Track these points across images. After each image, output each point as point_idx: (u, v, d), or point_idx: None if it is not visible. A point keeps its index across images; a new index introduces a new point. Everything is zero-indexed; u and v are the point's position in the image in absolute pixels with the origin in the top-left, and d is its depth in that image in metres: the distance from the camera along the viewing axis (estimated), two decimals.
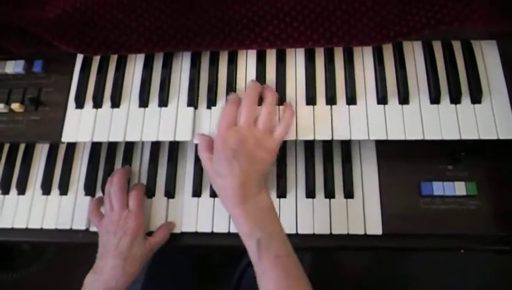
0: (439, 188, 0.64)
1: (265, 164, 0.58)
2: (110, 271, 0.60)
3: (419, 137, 0.60)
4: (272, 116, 0.59)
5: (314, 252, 0.77)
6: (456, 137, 0.60)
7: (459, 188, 0.64)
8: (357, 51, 0.65)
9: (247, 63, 0.66)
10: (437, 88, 0.61)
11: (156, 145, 0.70)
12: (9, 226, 0.69)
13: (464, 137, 0.59)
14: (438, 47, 0.65)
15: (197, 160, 0.68)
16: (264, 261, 0.53)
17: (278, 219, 0.57)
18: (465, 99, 0.61)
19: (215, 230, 0.65)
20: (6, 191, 0.71)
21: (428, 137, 0.60)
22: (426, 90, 0.62)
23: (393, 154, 0.65)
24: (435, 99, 0.61)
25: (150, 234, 0.65)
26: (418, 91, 0.62)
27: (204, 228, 0.65)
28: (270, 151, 0.58)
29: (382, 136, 0.60)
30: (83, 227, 0.67)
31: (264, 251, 0.53)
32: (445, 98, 0.62)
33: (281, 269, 0.53)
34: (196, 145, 0.66)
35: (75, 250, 1.32)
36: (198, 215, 0.66)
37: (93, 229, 0.67)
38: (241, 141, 0.56)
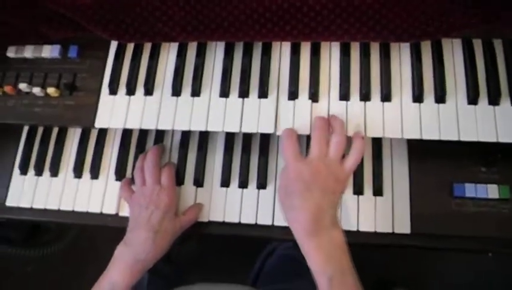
0: (471, 190, 0.63)
1: (337, 195, 0.57)
2: (141, 244, 0.61)
3: (455, 138, 0.59)
4: (342, 146, 0.58)
5: None
6: (492, 139, 0.58)
7: (492, 191, 0.62)
8: (394, 47, 0.64)
9: (281, 55, 0.65)
10: (475, 88, 0.60)
11: (186, 134, 0.70)
12: (42, 207, 0.71)
13: (501, 140, 0.58)
14: (478, 45, 0.63)
15: (227, 150, 0.68)
16: None
17: (350, 256, 0.55)
18: (504, 101, 0.60)
19: (243, 221, 0.65)
20: (39, 173, 0.72)
21: (463, 138, 0.59)
22: (464, 90, 0.61)
23: (425, 153, 0.64)
24: (472, 99, 0.60)
25: None
26: (455, 90, 0.61)
27: (232, 218, 0.66)
28: (341, 182, 0.57)
29: (416, 136, 0.59)
30: (112, 211, 0.69)
31: (335, 288, 0.52)
32: (483, 99, 0.60)
33: None
34: (226, 135, 0.66)
35: (100, 229, 1.35)
36: (226, 205, 0.67)
37: (122, 214, 0.69)
38: (314, 173, 0.55)
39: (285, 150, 0.58)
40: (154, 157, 0.66)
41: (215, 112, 0.64)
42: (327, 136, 0.59)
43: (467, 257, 1.13)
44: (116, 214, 0.69)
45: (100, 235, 1.38)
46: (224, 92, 0.64)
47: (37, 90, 0.68)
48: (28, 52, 0.70)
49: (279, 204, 0.60)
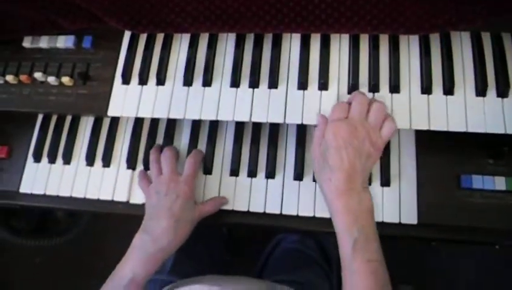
0: (478, 181, 0.63)
1: (372, 159, 0.58)
2: (163, 231, 0.62)
3: (463, 129, 0.59)
4: (382, 113, 0.58)
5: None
6: (500, 131, 0.59)
7: (499, 183, 0.63)
8: (403, 39, 0.64)
9: (291, 46, 0.66)
10: (484, 80, 0.61)
11: (197, 124, 0.71)
12: (54, 193, 0.72)
13: (510, 132, 0.59)
14: (486, 38, 0.64)
15: (236, 139, 0.70)
16: (357, 261, 0.52)
17: (375, 224, 0.56)
18: None
19: (251, 209, 0.66)
20: (52, 161, 0.74)
21: (471, 129, 0.59)
22: (472, 82, 0.61)
23: (433, 144, 0.65)
24: (480, 91, 0.60)
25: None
26: (463, 82, 0.61)
27: (241, 207, 0.67)
28: (377, 147, 0.58)
29: (424, 126, 0.60)
30: (124, 199, 0.70)
31: (358, 251, 0.52)
32: (491, 91, 0.61)
33: (372, 274, 0.52)
34: (236, 124, 0.68)
35: (108, 220, 1.37)
36: (235, 194, 0.68)
37: (133, 201, 0.70)
38: (352, 131, 0.56)
39: (335, 109, 0.59)
40: (171, 150, 0.67)
41: (225, 101, 0.65)
42: (368, 102, 0.59)
43: (473, 254, 1.14)
44: (127, 202, 0.70)
45: (109, 227, 1.41)
46: (235, 82, 0.65)
47: (51, 80, 0.69)
48: (43, 42, 0.72)
49: (313, 162, 0.61)
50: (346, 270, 0.53)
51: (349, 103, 0.60)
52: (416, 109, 0.61)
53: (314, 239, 0.89)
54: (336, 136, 0.56)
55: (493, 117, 0.59)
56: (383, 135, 0.58)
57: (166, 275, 0.79)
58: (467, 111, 0.60)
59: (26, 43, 0.73)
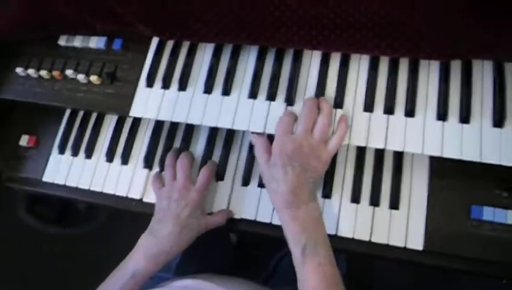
0: (489, 213, 0.62)
1: (317, 173, 0.61)
2: (167, 236, 0.64)
3: (476, 159, 0.59)
4: (327, 128, 0.61)
5: (350, 256, 0.78)
6: None
7: (511, 217, 0.62)
8: (423, 63, 0.64)
9: (311, 63, 0.67)
10: (502, 111, 0.60)
11: (214, 131, 0.73)
12: (74, 185, 0.76)
13: None
14: (509, 69, 0.63)
15: (250, 149, 0.71)
16: (307, 267, 0.55)
17: (325, 230, 0.59)
18: None
19: (259, 219, 0.68)
20: (75, 154, 0.78)
21: (485, 160, 0.59)
22: (490, 112, 0.61)
23: (446, 172, 0.64)
24: (498, 122, 0.60)
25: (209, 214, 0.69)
26: (481, 112, 0.61)
27: (249, 215, 0.68)
28: (322, 161, 0.60)
29: (437, 153, 0.60)
30: (137, 196, 0.73)
31: (308, 257, 0.55)
32: (509, 122, 0.60)
33: (322, 277, 0.55)
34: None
35: (125, 217, 1.41)
36: (244, 203, 0.69)
37: (146, 199, 0.72)
38: (296, 149, 0.59)
39: (280, 124, 0.62)
40: (188, 157, 0.69)
41: (242, 111, 0.67)
42: (314, 117, 0.61)
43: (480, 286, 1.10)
44: (141, 199, 0.73)
45: (124, 223, 1.44)
46: (253, 94, 0.67)
47: (81, 77, 0.73)
48: (78, 41, 0.76)
49: (261, 174, 0.64)
50: (299, 275, 0.56)
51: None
52: (430, 135, 0.60)
53: None
54: (281, 153, 0.59)
55: (509, 149, 0.58)
56: (329, 148, 0.61)
57: (172, 274, 0.81)
58: (482, 141, 0.59)
59: (62, 41, 0.77)
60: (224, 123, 0.67)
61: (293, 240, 0.57)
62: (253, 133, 0.66)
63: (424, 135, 0.61)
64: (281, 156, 0.59)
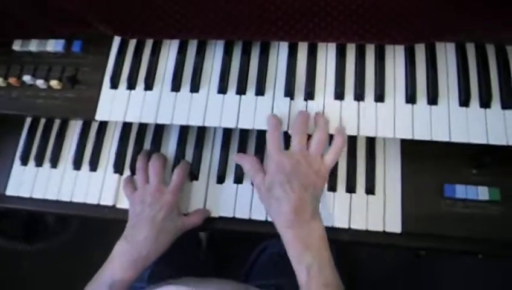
0: (461, 191, 0.64)
1: (317, 188, 0.59)
2: (143, 241, 0.62)
3: (446, 139, 0.60)
4: (324, 143, 0.60)
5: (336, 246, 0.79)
6: (483, 141, 0.59)
7: (482, 193, 0.64)
8: (388, 49, 0.65)
9: (279, 54, 0.67)
10: (467, 91, 0.61)
11: (184, 129, 0.72)
12: (41, 197, 0.72)
13: (492, 142, 0.59)
14: (471, 50, 0.65)
15: (224, 146, 0.70)
16: (313, 287, 0.53)
17: (329, 249, 0.57)
18: (495, 104, 0.61)
19: (237, 216, 0.67)
20: (39, 164, 0.74)
21: (454, 139, 0.60)
22: (456, 92, 0.62)
23: (418, 154, 0.66)
24: (464, 102, 0.61)
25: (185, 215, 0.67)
26: (447, 92, 0.62)
27: (227, 213, 0.67)
28: (321, 176, 0.59)
29: (408, 136, 0.61)
30: (110, 203, 0.70)
31: (313, 277, 0.53)
32: (475, 102, 0.61)
33: None
34: (224, 131, 0.68)
35: (96, 227, 1.37)
36: (220, 200, 0.68)
37: (120, 206, 0.70)
38: (295, 165, 0.57)
39: (270, 141, 0.60)
40: (160, 159, 0.68)
41: (213, 107, 0.65)
42: (307, 130, 0.61)
43: (460, 265, 1.14)
44: (113, 206, 0.70)
45: (95, 236, 1.40)
46: (222, 89, 0.66)
47: (40, 83, 0.70)
48: (33, 45, 0.72)
49: (258, 194, 0.61)
50: None
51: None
52: (401, 118, 0.61)
53: None
54: (279, 171, 0.57)
55: (476, 127, 0.60)
56: (326, 162, 0.59)
57: (145, 283, 0.78)
58: (451, 121, 0.61)
59: (16, 46, 0.73)
60: (195, 121, 0.65)
61: (297, 260, 0.55)
62: (238, 154, 0.65)
63: (394, 119, 0.61)
64: (278, 174, 0.57)
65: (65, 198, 0.72)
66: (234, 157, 0.66)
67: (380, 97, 0.62)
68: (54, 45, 0.72)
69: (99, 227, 1.38)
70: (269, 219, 0.66)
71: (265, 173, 0.60)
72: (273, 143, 0.60)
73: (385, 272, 1.26)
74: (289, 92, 0.64)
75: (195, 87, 0.66)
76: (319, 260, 0.54)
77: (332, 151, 0.60)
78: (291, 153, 0.59)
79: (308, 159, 0.58)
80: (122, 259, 0.62)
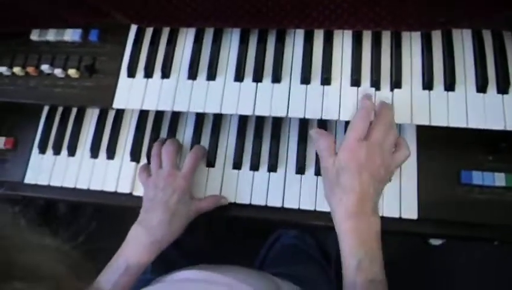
0: (478, 177, 0.64)
1: (382, 183, 0.58)
2: (158, 225, 0.63)
3: (463, 125, 0.60)
4: (396, 137, 0.59)
5: None
6: (500, 127, 0.59)
7: (499, 179, 0.63)
8: (405, 36, 0.65)
9: (295, 42, 0.67)
10: (484, 77, 0.61)
11: (201, 117, 0.72)
12: (58, 184, 0.73)
13: (509, 128, 0.59)
14: (487, 36, 0.64)
15: (240, 133, 0.70)
16: (359, 281, 0.52)
17: (381, 247, 0.56)
18: None
19: (254, 202, 0.67)
20: (57, 152, 0.75)
21: (471, 125, 0.60)
22: (473, 79, 0.62)
23: (434, 140, 0.66)
24: (481, 87, 0.61)
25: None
26: (464, 79, 0.62)
27: (243, 199, 0.68)
28: (389, 172, 0.58)
29: (425, 122, 0.61)
30: (127, 191, 0.71)
31: (362, 272, 0.52)
32: (492, 88, 0.61)
33: None
34: (240, 118, 0.68)
35: (108, 215, 1.38)
36: (237, 187, 0.69)
37: (136, 193, 0.71)
38: (370, 157, 0.55)
39: (355, 127, 0.57)
40: (174, 144, 0.68)
41: (229, 95, 0.66)
42: (391, 123, 0.59)
43: (473, 251, 1.14)
44: (130, 194, 0.71)
45: (109, 222, 1.41)
46: (239, 77, 0.66)
47: (58, 72, 0.71)
48: (51, 35, 0.73)
49: (321, 177, 0.59)
50: (347, 285, 0.54)
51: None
52: (417, 104, 0.61)
53: (313, 236, 0.89)
54: (353, 159, 0.55)
55: (493, 113, 0.60)
56: (396, 159, 0.58)
57: (149, 274, 0.79)
58: (468, 107, 0.61)
59: (34, 36, 0.74)
60: (211, 108, 0.66)
61: (349, 252, 0.54)
62: (317, 129, 0.62)
63: (411, 105, 0.62)
64: (352, 161, 0.55)
65: (83, 186, 0.72)
66: (312, 131, 0.62)
67: (396, 84, 0.63)
68: (71, 35, 0.73)
69: (111, 217, 1.39)
70: (285, 206, 0.66)
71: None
72: (357, 130, 0.57)
73: (393, 259, 1.27)
74: (305, 80, 0.64)
75: (211, 76, 0.67)
76: (370, 257, 0.53)
77: (404, 149, 0.59)
78: (371, 144, 0.56)
79: (383, 153, 0.57)
80: (137, 243, 0.63)
